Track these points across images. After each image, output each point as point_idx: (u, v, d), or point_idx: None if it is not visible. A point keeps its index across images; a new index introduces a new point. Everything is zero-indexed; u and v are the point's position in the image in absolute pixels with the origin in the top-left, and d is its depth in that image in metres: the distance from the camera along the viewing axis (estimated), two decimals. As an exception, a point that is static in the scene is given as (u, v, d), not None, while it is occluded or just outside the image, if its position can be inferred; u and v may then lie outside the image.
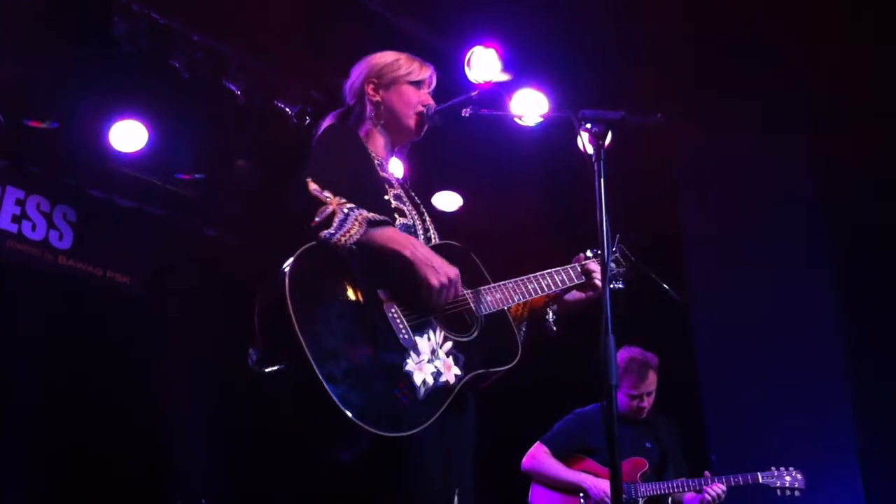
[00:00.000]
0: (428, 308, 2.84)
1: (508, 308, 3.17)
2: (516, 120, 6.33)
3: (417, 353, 2.76)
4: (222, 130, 6.81)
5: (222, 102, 6.35)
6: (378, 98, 3.25)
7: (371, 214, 2.79)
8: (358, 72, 3.32)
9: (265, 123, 6.60)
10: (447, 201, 7.58)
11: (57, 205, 6.69)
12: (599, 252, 3.20)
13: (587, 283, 3.29)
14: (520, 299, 3.13)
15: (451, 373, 2.80)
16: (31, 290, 6.38)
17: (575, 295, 3.32)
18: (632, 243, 3.51)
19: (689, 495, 5.24)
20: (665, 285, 3.73)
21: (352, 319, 2.71)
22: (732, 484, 5.20)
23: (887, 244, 5.89)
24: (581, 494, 5.24)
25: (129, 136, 6.52)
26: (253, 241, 7.28)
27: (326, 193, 2.77)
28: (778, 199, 6.41)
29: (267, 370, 2.67)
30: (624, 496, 5.12)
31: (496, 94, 3.31)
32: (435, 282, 2.77)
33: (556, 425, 5.52)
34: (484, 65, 5.99)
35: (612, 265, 3.46)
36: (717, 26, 6.30)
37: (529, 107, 6.41)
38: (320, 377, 2.53)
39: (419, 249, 2.81)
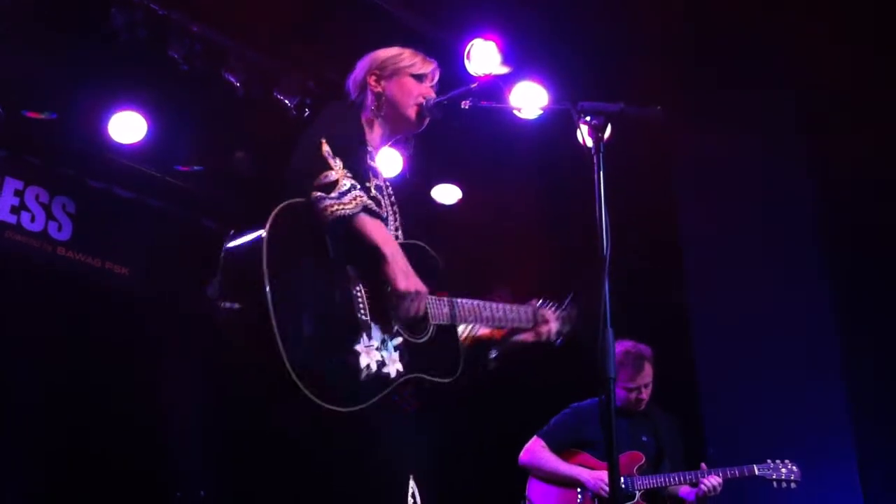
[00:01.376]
0: (387, 306, 2.85)
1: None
2: (516, 112, 6.35)
3: (370, 336, 2.79)
4: (221, 122, 6.80)
5: (221, 94, 6.34)
6: (379, 89, 3.27)
7: (369, 202, 2.81)
8: (361, 65, 3.35)
9: (264, 115, 6.60)
10: (446, 194, 7.57)
11: (56, 196, 6.68)
12: (552, 304, 3.45)
13: (534, 330, 3.36)
14: (472, 322, 3.18)
15: (393, 366, 2.82)
16: (30, 282, 6.38)
17: (521, 337, 3.38)
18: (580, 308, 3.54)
19: (684, 488, 5.25)
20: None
21: (319, 282, 2.75)
22: (729, 476, 5.20)
23: (885, 244, 5.90)
24: (578, 488, 5.26)
25: (127, 127, 6.51)
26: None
27: (337, 161, 2.80)
28: (776, 198, 6.41)
29: (224, 305, 2.71)
30: (621, 488, 5.16)
31: (495, 87, 3.33)
32: (402, 286, 2.80)
33: (553, 419, 5.55)
34: (483, 57, 5.99)
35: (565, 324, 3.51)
36: (717, 24, 6.30)
37: (529, 99, 6.41)
38: (273, 323, 2.55)
39: (399, 254, 2.83)
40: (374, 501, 2.79)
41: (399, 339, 2.88)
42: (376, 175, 3.17)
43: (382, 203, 3.12)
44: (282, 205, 2.75)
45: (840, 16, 5.80)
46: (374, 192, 3.09)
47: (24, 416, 6.04)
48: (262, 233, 2.66)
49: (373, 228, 2.80)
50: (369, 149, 3.20)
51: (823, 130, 6.15)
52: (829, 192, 6.25)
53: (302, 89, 6.58)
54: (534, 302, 3.41)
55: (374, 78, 3.28)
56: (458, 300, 3.12)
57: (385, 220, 3.05)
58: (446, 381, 2.98)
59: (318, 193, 2.74)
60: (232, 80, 6.28)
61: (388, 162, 6.27)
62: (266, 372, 2.63)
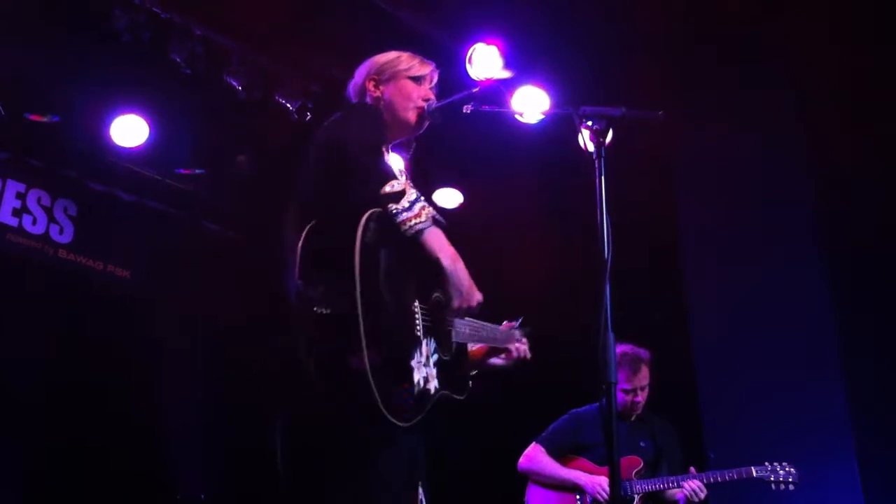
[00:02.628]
0: (437, 322, 2.87)
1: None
2: (517, 117, 6.35)
3: (421, 352, 2.79)
4: (223, 125, 6.82)
5: (223, 97, 6.35)
6: (378, 93, 3.26)
7: (435, 213, 2.79)
8: (360, 71, 3.34)
9: (266, 118, 6.61)
10: (448, 198, 7.58)
11: (57, 198, 6.69)
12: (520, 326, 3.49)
13: (508, 351, 3.39)
14: (475, 342, 3.22)
15: (433, 383, 2.82)
16: (31, 284, 6.39)
17: (494, 361, 3.42)
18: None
19: (681, 492, 5.26)
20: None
21: (397, 293, 2.74)
22: (727, 479, 5.21)
23: (884, 243, 5.89)
24: (577, 493, 5.26)
25: (129, 130, 6.51)
26: (253, 236, 7.28)
27: (400, 170, 2.83)
28: (776, 198, 6.41)
29: (316, 309, 2.67)
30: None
31: (497, 91, 3.32)
32: (456, 304, 2.79)
33: (552, 425, 5.56)
34: (485, 61, 5.99)
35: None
36: (717, 24, 6.30)
37: (530, 104, 6.41)
38: (360, 313, 2.56)
39: (459, 265, 2.79)
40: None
41: (436, 357, 2.88)
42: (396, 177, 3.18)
43: None
44: (369, 213, 2.71)
45: (840, 15, 5.80)
46: None
47: (24, 417, 6.04)
48: (356, 239, 2.65)
49: (438, 239, 2.76)
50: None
51: (823, 130, 6.14)
52: (828, 191, 6.24)
53: (304, 93, 6.59)
54: (507, 323, 3.47)
55: (372, 83, 3.27)
56: (468, 320, 3.12)
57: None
58: (461, 398, 2.99)
59: (393, 206, 2.70)
60: (234, 83, 6.29)
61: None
62: (355, 397, 2.62)
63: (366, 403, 2.57)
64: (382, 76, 3.26)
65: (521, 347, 3.46)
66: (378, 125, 3.10)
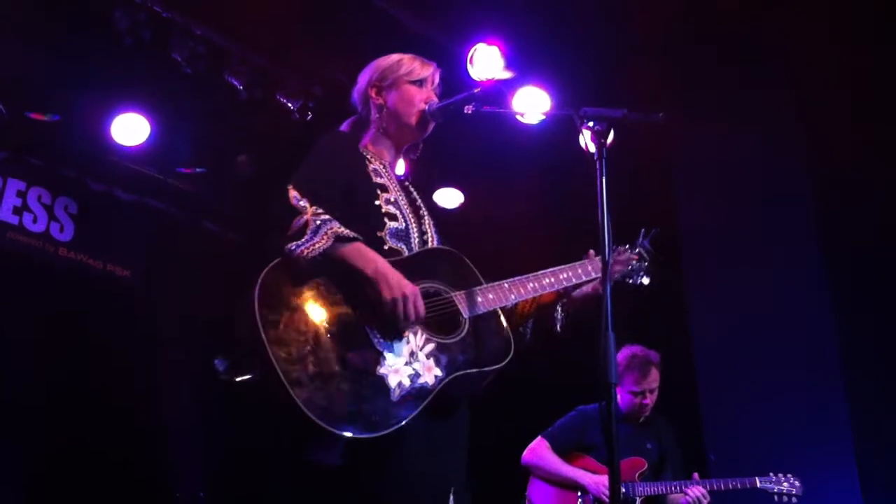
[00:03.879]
0: (391, 322, 2.82)
1: (514, 306, 3.20)
2: (518, 118, 6.35)
3: (395, 354, 2.78)
4: (223, 125, 6.81)
5: (224, 97, 6.35)
6: (381, 101, 3.27)
7: (341, 229, 2.80)
8: (362, 78, 3.35)
9: (266, 118, 6.61)
10: (448, 198, 7.58)
11: (58, 197, 6.70)
12: (622, 247, 3.41)
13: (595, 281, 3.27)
14: (515, 299, 3.11)
15: (430, 374, 2.80)
16: (32, 282, 6.39)
17: (583, 291, 3.32)
18: (655, 239, 3.50)
19: (684, 498, 5.25)
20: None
21: (323, 325, 2.74)
22: (731, 488, 5.22)
23: (884, 243, 5.89)
24: (579, 491, 5.25)
25: (130, 129, 6.52)
26: (253, 236, 7.28)
27: (303, 202, 2.82)
28: (776, 197, 6.41)
29: (237, 380, 2.72)
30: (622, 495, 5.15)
31: (498, 92, 3.32)
32: (387, 295, 2.77)
33: (559, 421, 5.55)
34: (486, 62, 5.99)
35: (635, 261, 3.47)
36: (717, 24, 6.30)
37: (531, 104, 6.41)
38: (285, 383, 2.57)
39: (379, 265, 2.81)
40: None
41: (431, 346, 2.86)
42: (386, 189, 3.15)
43: (399, 214, 3.11)
44: (265, 271, 2.75)
45: (841, 14, 5.80)
46: (385, 206, 3.09)
47: (24, 416, 6.04)
48: (254, 298, 2.68)
49: (350, 254, 2.80)
50: (372, 166, 3.19)
51: (823, 130, 6.14)
52: (826, 190, 6.24)
53: (305, 92, 6.58)
54: (590, 252, 3.32)
55: (374, 90, 3.28)
56: (495, 284, 3.08)
57: (406, 232, 3.08)
58: (495, 367, 2.93)
59: (290, 245, 2.75)
60: (234, 82, 6.29)
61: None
62: (297, 429, 2.63)
63: (314, 432, 2.59)
64: (384, 83, 3.27)
65: (620, 259, 3.32)
66: (328, 154, 3.12)
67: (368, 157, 3.21)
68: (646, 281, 3.48)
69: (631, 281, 3.45)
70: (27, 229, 6.47)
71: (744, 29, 6.31)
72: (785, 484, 5.21)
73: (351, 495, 2.77)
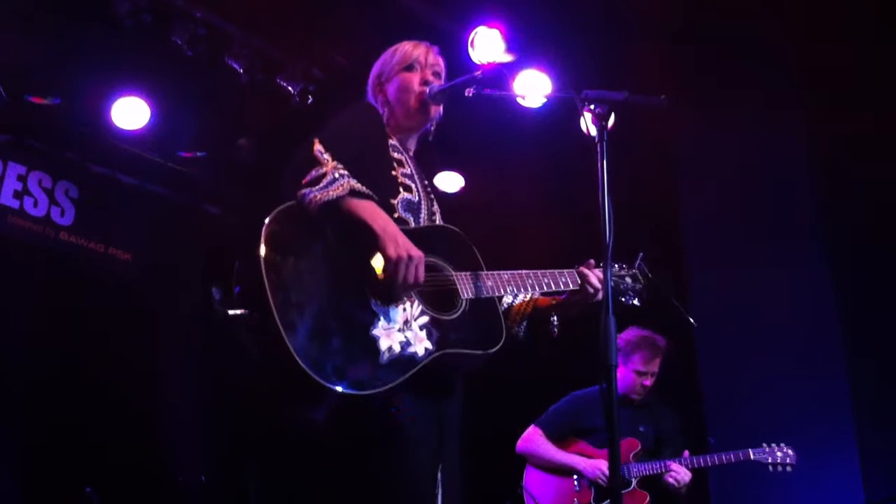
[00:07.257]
0: (390, 283, 2.80)
1: (510, 306, 3.26)
2: (519, 101, 6.33)
3: (388, 319, 2.78)
4: (224, 108, 6.81)
5: (224, 80, 6.34)
6: (384, 96, 3.30)
7: (358, 185, 2.79)
8: (371, 74, 3.38)
9: (267, 102, 6.60)
10: (449, 182, 7.57)
11: (59, 181, 6.69)
12: (619, 265, 3.45)
13: (580, 289, 3.26)
14: (512, 291, 3.13)
15: (421, 345, 2.81)
16: (33, 266, 6.40)
17: (571, 300, 3.33)
18: (652, 262, 3.52)
19: (668, 475, 5.27)
20: (680, 307, 3.77)
21: (324, 277, 2.74)
22: (725, 462, 5.24)
23: (885, 232, 5.90)
24: (575, 476, 5.28)
25: (131, 112, 6.52)
26: (254, 219, 7.27)
27: (326, 155, 2.80)
28: (778, 185, 6.41)
29: (230, 313, 2.72)
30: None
31: (499, 75, 3.29)
32: (392, 253, 2.74)
33: (551, 408, 5.58)
34: (487, 45, 5.97)
35: (629, 280, 3.49)
36: (720, 12, 6.27)
37: (533, 87, 6.39)
38: (279, 325, 2.57)
39: (389, 225, 2.80)
40: (395, 491, 2.79)
41: (425, 319, 2.86)
42: (403, 164, 3.17)
43: (413, 188, 3.14)
44: (274, 212, 2.77)
45: (842, 4, 5.78)
46: (401, 178, 3.11)
47: (24, 400, 6.06)
48: (260, 238, 2.70)
49: (362, 207, 2.79)
50: (395, 142, 3.22)
51: (826, 120, 6.13)
52: (829, 179, 6.25)
53: (305, 76, 6.57)
54: (590, 262, 3.32)
55: (378, 88, 3.32)
56: (496, 273, 3.09)
57: (417, 206, 3.09)
58: (487, 351, 2.94)
59: (304, 190, 2.75)
60: (235, 66, 6.28)
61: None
62: (284, 374, 2.63)
63: (301, 381, 2.58)
64: (383, 78, 3.31)
65: (588, 288, 3.23)
66: (354, 117, 3.14)
67: (390, 136, 3.24)
68: (636, 303, 3.50)
69: (623, 300, 3.47)
70: (28, 213, 6.46)
71: (746, 18, 6.29)
72: (779, 454, 5.22)
73: (341, 470, 2.78)
